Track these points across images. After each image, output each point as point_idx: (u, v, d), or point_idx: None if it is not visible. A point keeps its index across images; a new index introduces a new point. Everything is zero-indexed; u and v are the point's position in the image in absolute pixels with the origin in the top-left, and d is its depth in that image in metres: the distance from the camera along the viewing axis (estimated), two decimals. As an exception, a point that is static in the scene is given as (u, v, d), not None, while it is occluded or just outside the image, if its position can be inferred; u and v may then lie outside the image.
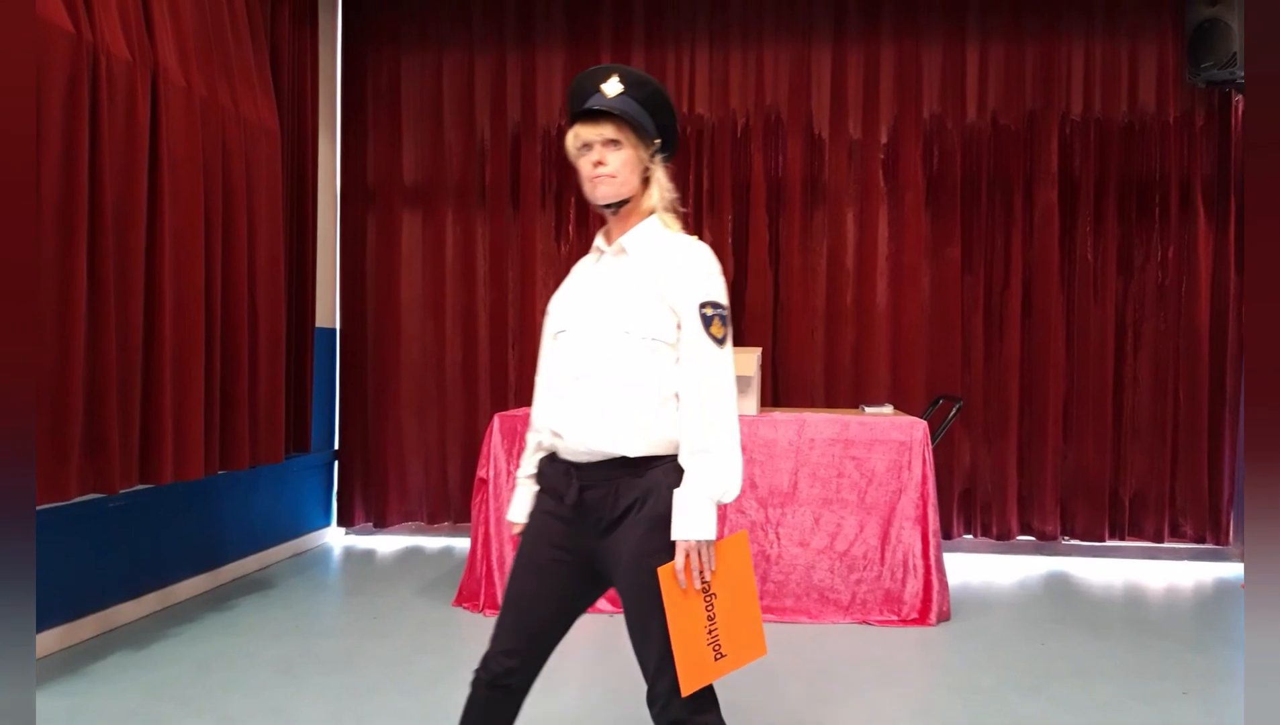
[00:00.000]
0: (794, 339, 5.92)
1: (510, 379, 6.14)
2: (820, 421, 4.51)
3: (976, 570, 5.47)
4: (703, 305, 1.96)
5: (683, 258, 1.98)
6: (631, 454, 1.94)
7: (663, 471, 1.95)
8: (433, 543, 6.13)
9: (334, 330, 6.24)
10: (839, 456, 4.46)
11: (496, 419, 4.58)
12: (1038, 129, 5.84)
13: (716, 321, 1.97)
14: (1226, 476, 5.73)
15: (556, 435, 2.02)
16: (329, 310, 6.15)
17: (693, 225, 5.95)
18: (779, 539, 4.42)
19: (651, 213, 2.07)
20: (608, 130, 1.98)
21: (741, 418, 4.53)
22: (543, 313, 6.06)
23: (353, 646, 3.97)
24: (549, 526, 2.05)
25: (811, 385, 5.91)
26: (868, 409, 4.87)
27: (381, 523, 6.19)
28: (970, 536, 5.89)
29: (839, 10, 5.94)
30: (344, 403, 6.25)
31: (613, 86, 1.99)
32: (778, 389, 5.93)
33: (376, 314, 6.20)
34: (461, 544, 5.92)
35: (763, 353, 5.19)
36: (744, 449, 4.49)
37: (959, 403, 5.00)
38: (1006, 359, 5.85)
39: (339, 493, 6.26)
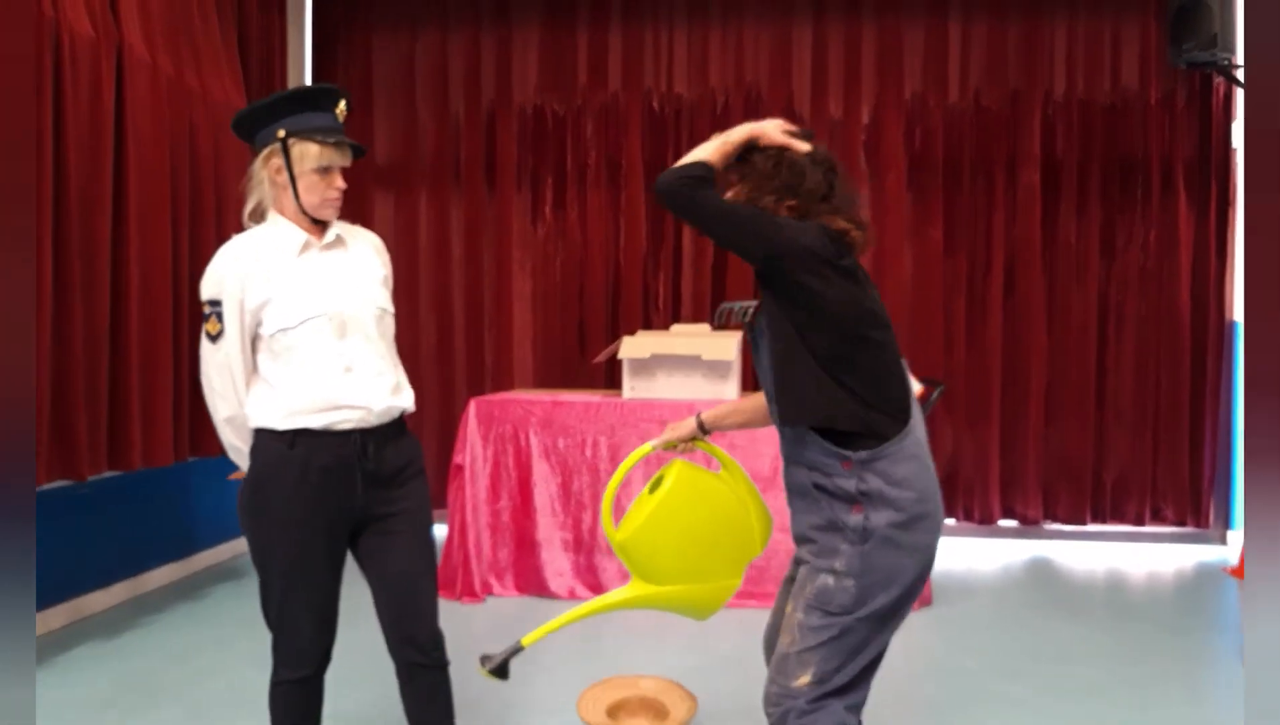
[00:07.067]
0: (775, 322, 5.85)
1: (487, 363, 6.07)
2: (801, 405, 4.46)
3: (958, 555, 5.45)
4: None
5: (377, 245, 2.38)
6: (411, 408, 2.30)
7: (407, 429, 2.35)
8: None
9: (308, 314, 6.13)
10: (820, 440, 4.41)
11: (473, 404, 4.51)
12: (1020, 109, 5.79)
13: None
14: (1207, 460, 5.72)
15: (359, 409, 2.17)
16: (302, 293, 6.04)
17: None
18: (760, 524, 4.37)
19: None
20: (348, 160, 2.22)
21: (721, 402, 4.49)
22: (519, 295, 6.02)
23: (328, 636, 3.91)
24: (316, 510, 2.17)
25: (793, 368, 5.85)
26: (849, 392, 4.82)
27: (358, 509, 6.10)
28: (952, 521, 5.88)
29: (820, -13, 5.87)
30: (319, 388, 6.15)
31: (342, 113, 2.23)
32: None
33: (351, 297, 6.10)
34: (438, 531, 5.84)
35: (743, 336, 5.13)
36: (724, 433, 4.44)
37: (941, 386, 4.95)
38: (989, 342, 5.82)
39: (314, 479, 6.16)
